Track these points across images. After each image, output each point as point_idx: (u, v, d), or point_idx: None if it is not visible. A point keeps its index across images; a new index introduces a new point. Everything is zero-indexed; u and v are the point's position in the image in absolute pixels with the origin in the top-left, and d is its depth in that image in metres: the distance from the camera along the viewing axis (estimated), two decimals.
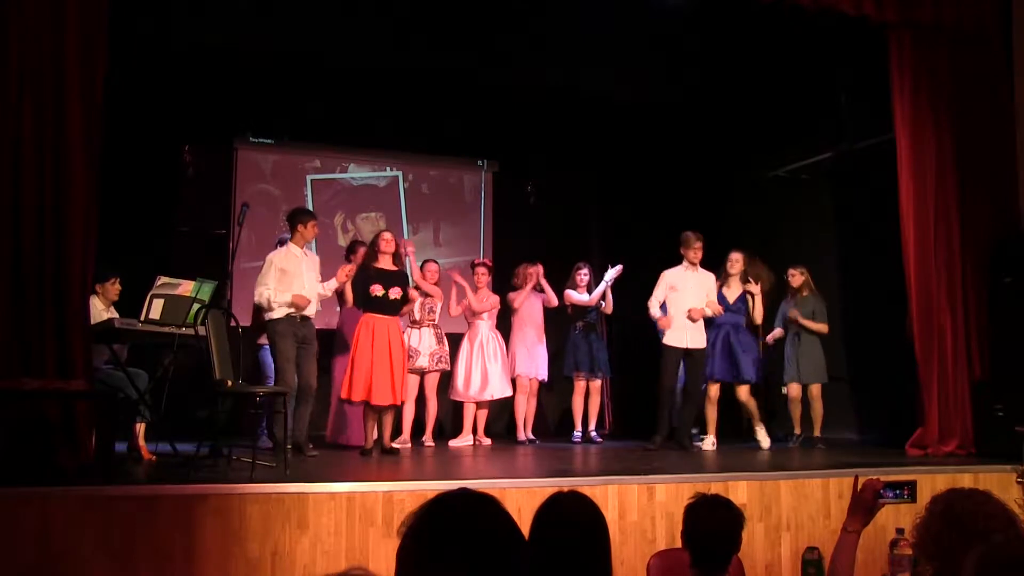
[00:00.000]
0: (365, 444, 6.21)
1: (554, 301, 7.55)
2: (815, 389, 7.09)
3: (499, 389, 7.20)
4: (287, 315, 5.97)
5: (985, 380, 6.28)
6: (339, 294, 6.82)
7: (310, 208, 7.80)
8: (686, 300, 6.67)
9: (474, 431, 7.22)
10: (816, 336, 7.15)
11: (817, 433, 7.06)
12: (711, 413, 6.87)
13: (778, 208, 8.31)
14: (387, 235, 6.52)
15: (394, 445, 6.32)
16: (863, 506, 2.60)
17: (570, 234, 9.33)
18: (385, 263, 6.38)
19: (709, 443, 6.77)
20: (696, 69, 7.99)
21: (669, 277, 6.77)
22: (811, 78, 7.59)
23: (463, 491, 1.87)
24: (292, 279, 5.99)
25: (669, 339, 6.69)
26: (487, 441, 7.18)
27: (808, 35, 6.86)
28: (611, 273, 7.46)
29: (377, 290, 6.24)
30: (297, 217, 6.22)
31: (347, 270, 6.30)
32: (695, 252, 6.71)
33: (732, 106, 8.41)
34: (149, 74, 7.26)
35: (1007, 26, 6.58)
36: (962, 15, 6.37)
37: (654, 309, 6.75)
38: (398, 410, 6.49)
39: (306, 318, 6.08)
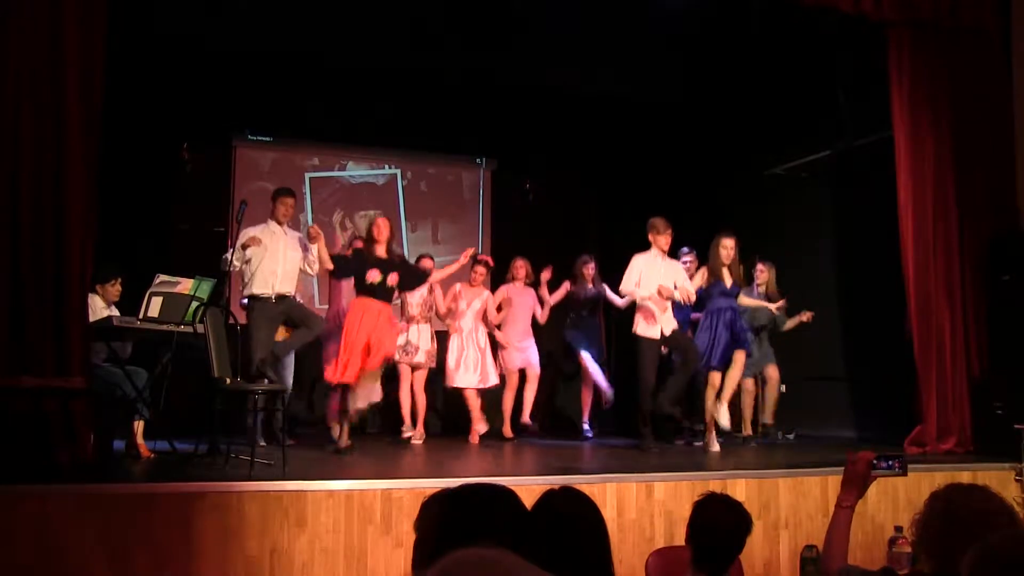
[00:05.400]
0: (339, 442, 5.99)
1: (541, 317, 7.59)
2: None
3: (491, 378, 7.24)
4: (260, 295, 5.99)
5: (984, 378, 6.28)
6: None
7: (309, 205, 7.82)
8: (655, 286, 6.43)
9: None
10: None
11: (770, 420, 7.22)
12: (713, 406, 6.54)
13: (777, 206, 8.31)
14: (381, 222, 6.33)
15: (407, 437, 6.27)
16: (857, 479, 2.59)
17: (569, 232, 9.33)
18: (379, 251, 6.22)
19: (716, 442, 6.42)
20: (696, 68, 7.99)
21: (640, 262, 6.55)
22: (810, 76, 7.59)
23: (483, 484, 1.89)
24: (265, 253, 6.04)
25: (643, 330, 6.44)
26: (483, 428, 7.19)
27: (807, 33, 6.87)
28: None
29: (374, 276, 6.11)
30: (272, 195, 6.37)
31: (315, 228, 6.13)
32: (665, 240, 6.51)
33: (731, 105, 8.41)
34: (148, 72, 7.26)
35: (1006, 25, 6.58)
36: (961, 13, 6.37)
37: (635, 294, 6.47)
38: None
39: (282, 296, 6.08)
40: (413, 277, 6.51)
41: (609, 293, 7.56)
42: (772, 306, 7.10)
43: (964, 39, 6.47)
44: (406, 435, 6.81)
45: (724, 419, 6.39)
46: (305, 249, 6.24)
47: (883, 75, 6.47)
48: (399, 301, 6.94)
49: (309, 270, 6.33)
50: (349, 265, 6.29)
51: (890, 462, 2.65)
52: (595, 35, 7.26)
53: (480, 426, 7.12)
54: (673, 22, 7.13)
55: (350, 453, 5.84)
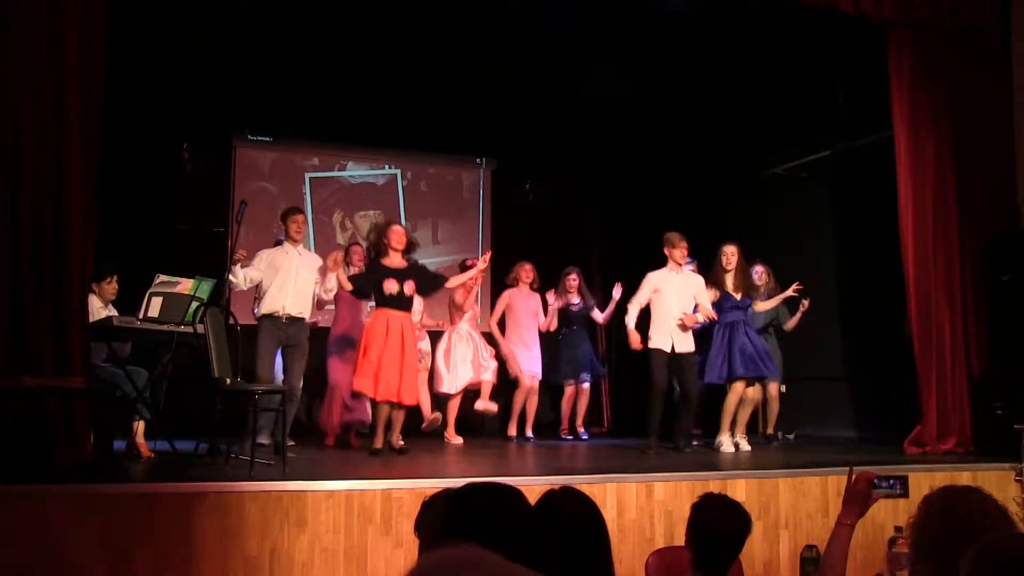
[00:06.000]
0: (374, 443, 5.99)
1: (544, 324, 7.63)
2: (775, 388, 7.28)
3: (484, 373, 7.25)
4: (270, 314, 5.98)
5: (984, 378, 6.28)
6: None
7: (308, 205, 7.82)
8: (671, 302, 6.43)
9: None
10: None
11: (771, 430, 7.33)
12: (744, 414, 6.60)
13: (777, 206, 8.31)
14: (398, 228, 6.22)
15: (402, 443, 6.23)
16: (858, 498, 2.60)
17: (569, 233, 9.34)
18: (395, 259, 6.12)
19: (730, 443, 6.48)
20: (696, 68, 8.00)
21: (654, 279, 6.51)
22: (810, 76, 7.59)
23: (487, 483, 1.89)
24: (276, 274, 6.03)
25: (655, 342, 6.42)
26: (458, 440, 7.17)
27: (807, 34, 6.87)
28: (616, 293, 7.52)
29: (391, 287, 6.01)
30: (282, 216, 6.35)
31: (335, 256, 6.17)
32: (681, 252, 6.49)
33: (731, 105, 8.41)
34: (148, 72, 7.26)
35: (1006, 25, 6.58)
36: (961, 13, 6.36)
37: (631, 316, 6.48)
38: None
39: (295, 319, 6.06)
40: (430, 283, 6.43)
41: (594, 311, 7.64)
42: (791, 290, 7.00)
43: (964, 39, 6.47)
44: (398, 444, 6.78)
45: (729, 447, 6.48)
46: (322, 275, 6.22)
47: (883, 75, 6.46)
48: None
49: (324, 296, 6.33)
50: (367, 282, 6.20)
51: (891, 481, 2.65)
52: (595, 35, 7.26)
53: (454, 439, 7.12)
54: (673, 22, 7.14)
55: (382, 455, 5.84)
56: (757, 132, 8.37)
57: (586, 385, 7.70)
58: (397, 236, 6.14)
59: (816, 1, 6.12)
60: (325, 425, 6.71)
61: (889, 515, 4.62)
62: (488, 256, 6.58)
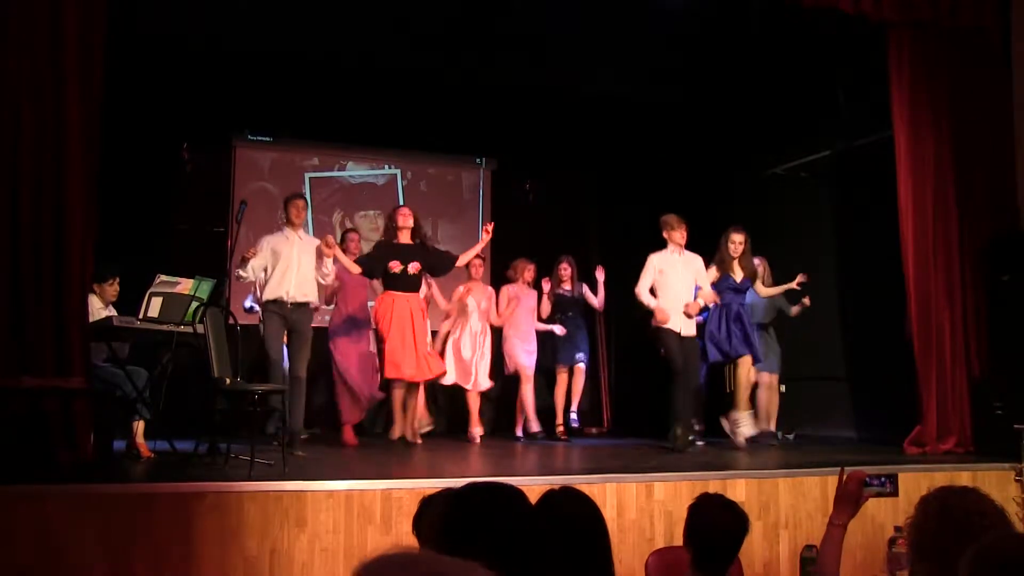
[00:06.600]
0: (392, 433, 6.24)
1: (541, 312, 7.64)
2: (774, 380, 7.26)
3: (484, 382, 7.29)
4: (274, 299, 5.99)
5: (984, 378, 6.27)
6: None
7: (309, 205, 7.80)
8: (674, 283, 6.44)
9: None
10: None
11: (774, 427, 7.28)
12: (746, 396, 6.63)
13: (777, 206, 8.31)
14: (405, 209, 6.39)
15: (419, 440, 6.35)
16: (849, 498, 2.61)
17: (569, 233, 9.33)
18: (404, 239, 6.25)
19: (748, 420, 6.54)
20: (696, 68, 8.00)
21: (656, 261, 6.51)
22: (810, 76, 7.59)
23: (488, 483, 1.89)
24: (278, 260, 6.04)
25: (661, 322, 6.44)
26: (480, 432, 7.25)
27: (807, 34, 6.87)
28: (600, 276, 7.66)
29: (395, 266, 6.14)
30: (284, 201, 6.38)
31: (327, 239, 6.14)
32: (680, 235, 6.49)
33: (731, 105, 8.41)
34: (148, 72, 7.26)
35: (1006, 25, 6.58)
36: (961, 13, 6.36)
37: (646, 296, 6.45)
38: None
39: (300, 304, 6.07)
40: (440, 263, 6.55)
41: (586, 293, 7.68)
42: (795, 283, 7.02)
43: (964, 39, 6.47)
44: (397, 436, 6.80)
45: (749, 428, 6.49)
46: (320, 259, 6.24)
47: (883, 75, 6.46)
48: None
49: (322, 280, 6.35)
50: (373, 261, 6.29)
51: (882, 480, 2.66)
52: (595, 35, 7.26)
53: (477, 430, 7.15)
54: (673, 22, 7.13)
55: (413, 446, 6.07)
56: (757, 132, 8.37)
57: (582, 365, 7.65)
58: (403, 216, 6.29)
59: (816, 1, 6.12)
60: (349, 414, 6.75)
61: (889, 515, 4.63)
62: (491, 227, 6.59)
